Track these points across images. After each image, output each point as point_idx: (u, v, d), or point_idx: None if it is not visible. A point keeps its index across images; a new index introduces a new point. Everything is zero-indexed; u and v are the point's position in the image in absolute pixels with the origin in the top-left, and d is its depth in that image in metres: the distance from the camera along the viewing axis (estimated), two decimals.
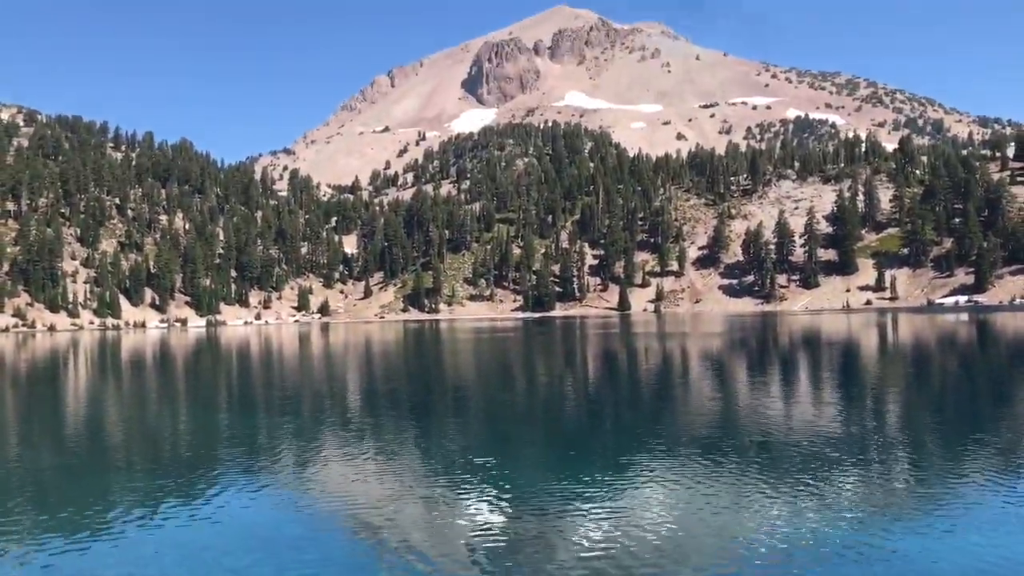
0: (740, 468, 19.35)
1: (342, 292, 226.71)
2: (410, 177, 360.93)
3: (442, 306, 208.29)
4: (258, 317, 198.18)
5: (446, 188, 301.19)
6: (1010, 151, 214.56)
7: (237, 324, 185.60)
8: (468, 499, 17.35)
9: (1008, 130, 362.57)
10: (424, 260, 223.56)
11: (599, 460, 20.93)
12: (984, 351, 57.96)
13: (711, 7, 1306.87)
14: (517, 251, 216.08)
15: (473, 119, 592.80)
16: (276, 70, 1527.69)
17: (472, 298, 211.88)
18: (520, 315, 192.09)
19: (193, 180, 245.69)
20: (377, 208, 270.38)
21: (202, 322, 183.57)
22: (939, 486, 17.52)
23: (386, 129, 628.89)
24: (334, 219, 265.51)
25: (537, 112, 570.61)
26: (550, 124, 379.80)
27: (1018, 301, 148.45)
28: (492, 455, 21.92)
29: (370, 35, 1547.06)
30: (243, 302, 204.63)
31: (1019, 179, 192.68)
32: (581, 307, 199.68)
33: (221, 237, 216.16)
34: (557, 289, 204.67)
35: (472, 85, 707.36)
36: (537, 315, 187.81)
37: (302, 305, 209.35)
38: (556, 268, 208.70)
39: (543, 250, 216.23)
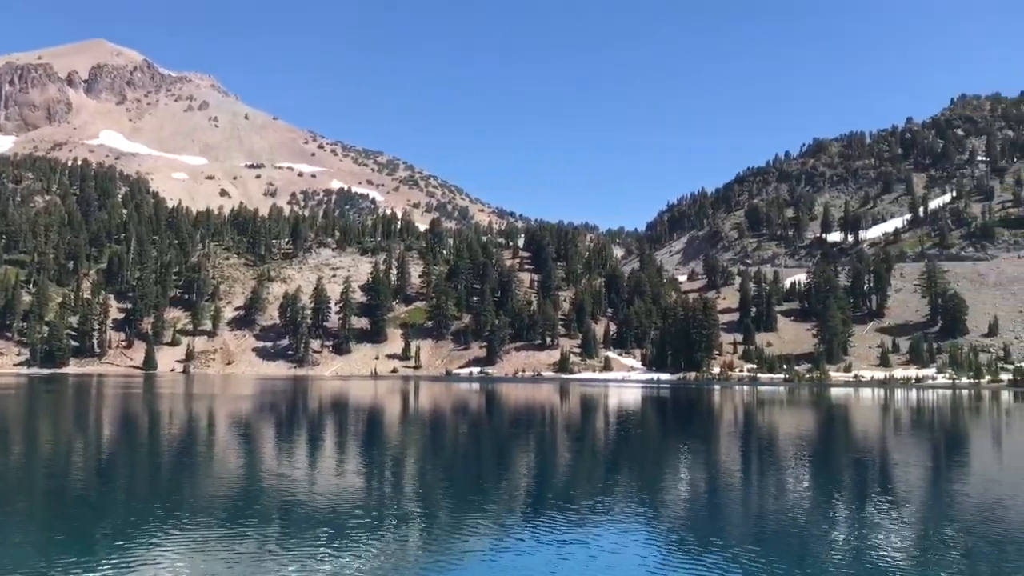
0: (259, 532, 19.24)
1: None
2: None
3: None
4: None
5: None
6: (521, 241, 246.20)
7: None
8: None
9: (520, 223, 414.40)
10: None
11: (100, 530, 19.32)
12: (490, 417, 64.61)
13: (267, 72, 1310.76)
14: (28, 298, 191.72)
15: None
16: None
17: None
18: (25, 371, 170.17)
19: None
20: None
21: None
22: (441, 539, 19.15)
23: None
24: None
25: (66, 147, 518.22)
26: (80, 162, 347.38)
27: (520, 374, 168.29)
28: None
29: None
30: None
31: (527, 266, 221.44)
32: (101, 364, 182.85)
33: None
34: (74, 343, 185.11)
35: None
36: (47, 371, 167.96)
37: None
38: (74, 320, 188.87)
39: (60, 299, 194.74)
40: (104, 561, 16.75)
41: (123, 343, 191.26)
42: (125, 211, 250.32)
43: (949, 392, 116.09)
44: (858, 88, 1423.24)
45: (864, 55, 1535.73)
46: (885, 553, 18.34)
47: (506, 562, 17.44)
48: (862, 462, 37.13)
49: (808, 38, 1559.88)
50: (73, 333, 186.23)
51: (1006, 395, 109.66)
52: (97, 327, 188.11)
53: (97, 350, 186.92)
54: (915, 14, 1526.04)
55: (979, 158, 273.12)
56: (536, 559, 17.60)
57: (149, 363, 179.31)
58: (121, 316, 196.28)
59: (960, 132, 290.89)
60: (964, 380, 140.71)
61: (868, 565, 17.33)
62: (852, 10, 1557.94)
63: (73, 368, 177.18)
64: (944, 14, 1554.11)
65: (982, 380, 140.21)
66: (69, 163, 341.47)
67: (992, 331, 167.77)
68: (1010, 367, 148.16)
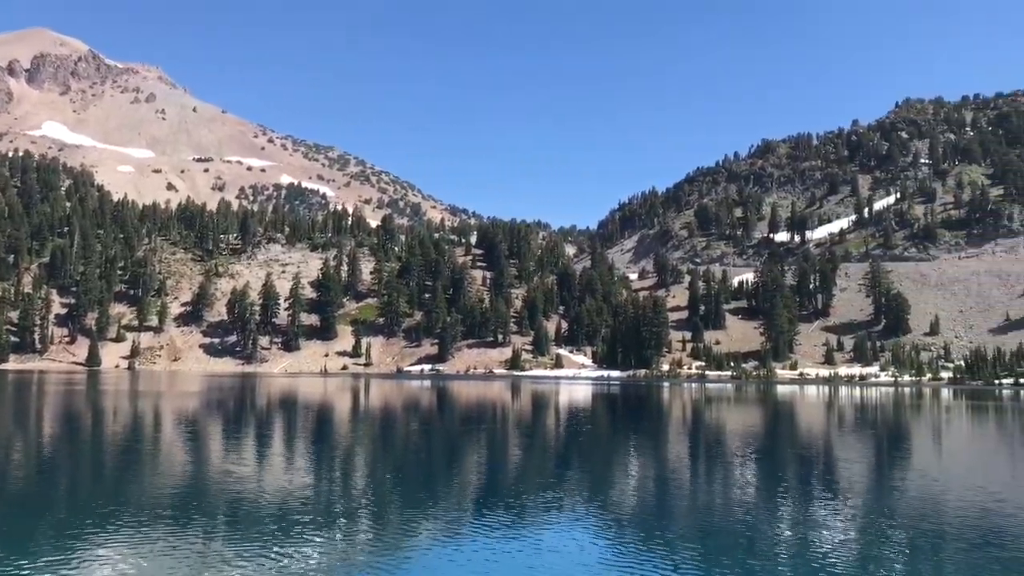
0: (205, 531, 19.00)
1: None
2: None
3: None
4: None
5: None
6: (473, 239, 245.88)
7: None
8: None
9: (472, 221, 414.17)
10: None
11: (40, 530, 18.90)
12: (440, 414, 64.50)
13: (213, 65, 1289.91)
14: None
15: None
16: None
17: None
18: None
19: None
20: None
21: None
22: (389, 537, 19.11)
23: None
24: None
25: (6, 138, 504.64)
26: (21, 154, 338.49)
27: (472, 371, 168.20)
28: None
29: None
30: None
31: (479, 264, 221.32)
32: (42, 360, 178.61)
33: None
34: (14, 339, 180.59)
35: None
36: None
37: None
38: (14, 315, 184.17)
39: (0, 294, 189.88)
40: (45, 561, 16.40)
41: (66, 339, 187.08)
42: (69, 204, 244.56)
43: (891, 390, 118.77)
44: (806, 90, 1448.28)
45: (812, 57, 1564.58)
46: (826, 548, 18.73)
47: (453, 559, 17.47)
48: (806, 458, 37.86)
49: (757, 40, 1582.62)
50: (13, 328, 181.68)
51: (946, 393, 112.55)
52: (39, 322, 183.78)
53: (38, 346, 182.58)
54: (862, 18, 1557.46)
55: (922, 160, 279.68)
56: (483, 556, 17.66)
57: (93, 359, 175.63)
58: (64, 311, 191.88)
59: (904, 135, 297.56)
60: (906, 378, 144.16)
61: (810, 560, 17.68)
62: (800, 13, 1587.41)
63: (13, 364, 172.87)
64: (890, 18, 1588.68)
65: (923, 378, 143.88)
66: (10, 154, 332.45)
67: (933, 330, 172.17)
68: (950, 365, 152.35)
